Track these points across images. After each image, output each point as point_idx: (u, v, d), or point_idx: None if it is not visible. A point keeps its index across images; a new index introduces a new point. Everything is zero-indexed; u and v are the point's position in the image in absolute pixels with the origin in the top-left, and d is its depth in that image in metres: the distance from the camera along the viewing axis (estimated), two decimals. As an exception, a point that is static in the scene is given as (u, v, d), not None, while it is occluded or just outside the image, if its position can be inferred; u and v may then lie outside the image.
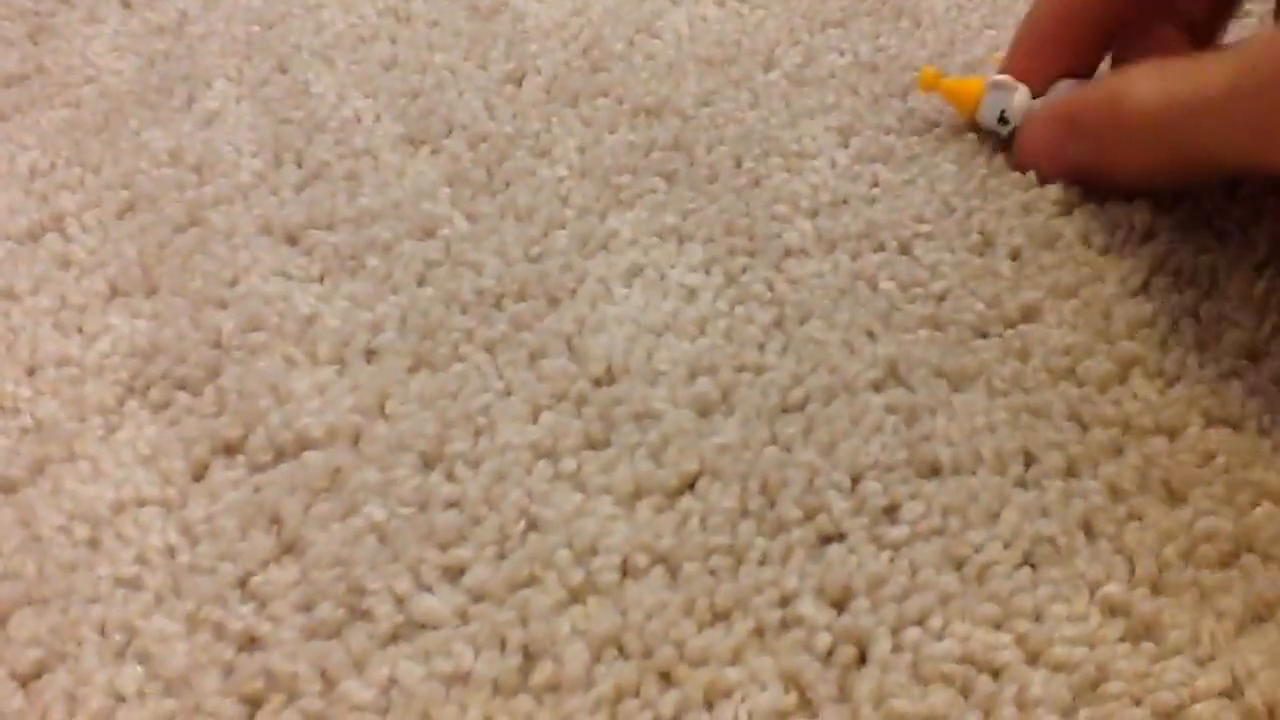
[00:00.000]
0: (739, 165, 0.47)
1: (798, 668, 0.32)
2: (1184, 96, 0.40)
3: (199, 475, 0.37)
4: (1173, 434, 0.37)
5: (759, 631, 0.33)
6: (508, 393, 0.39)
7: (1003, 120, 0.48)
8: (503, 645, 0.33)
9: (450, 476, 0.37)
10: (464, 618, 0.33)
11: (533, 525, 0.35)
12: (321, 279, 0.43)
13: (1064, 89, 0.48)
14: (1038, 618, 0.33)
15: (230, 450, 0.38)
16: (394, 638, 0.33)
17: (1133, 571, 0.33)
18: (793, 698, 0.31)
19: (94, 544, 0.35)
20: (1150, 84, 0.42)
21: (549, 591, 0.34)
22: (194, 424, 0.38)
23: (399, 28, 0.55)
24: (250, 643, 0.33)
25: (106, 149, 0.49)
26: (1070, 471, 0.36)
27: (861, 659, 0.32)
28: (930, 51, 0.54)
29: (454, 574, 0.34)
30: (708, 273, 0.42)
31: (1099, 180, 0.46)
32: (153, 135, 0.50)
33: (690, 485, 0.36)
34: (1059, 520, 0.35)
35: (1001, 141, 0.49)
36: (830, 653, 0.32)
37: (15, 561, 0.35)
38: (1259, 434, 0.36)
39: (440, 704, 0.32)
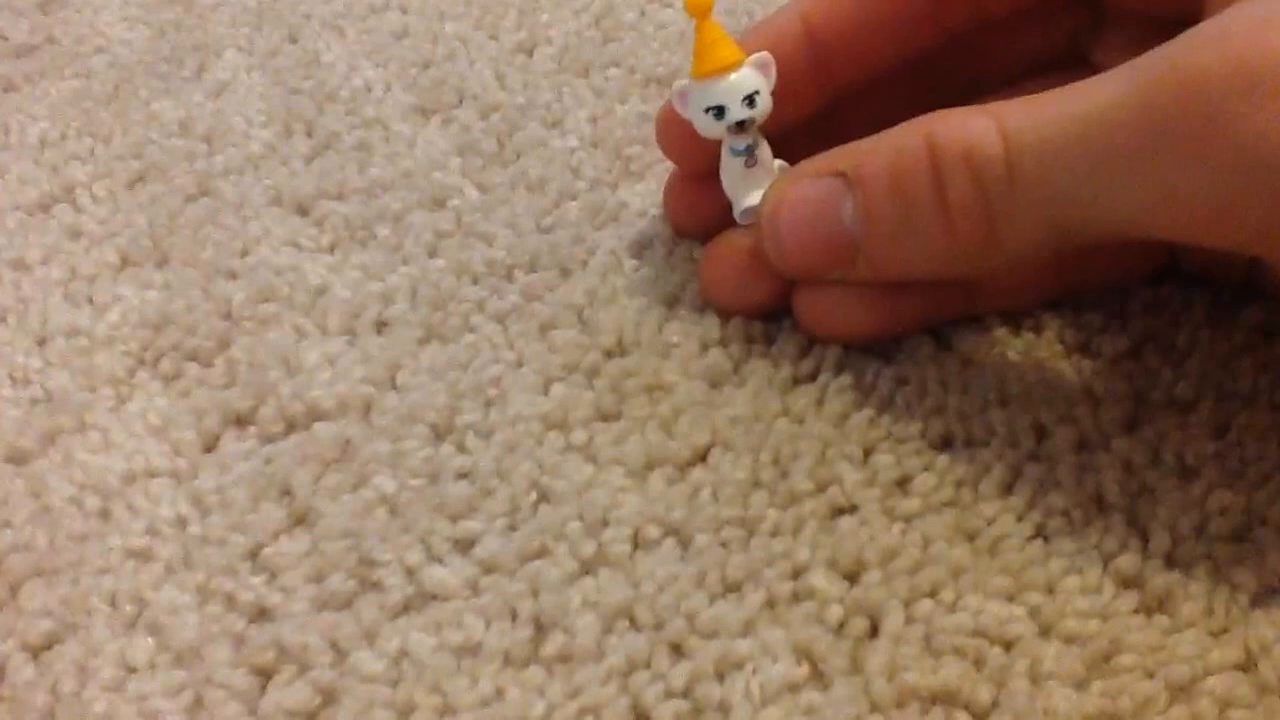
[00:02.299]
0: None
1: (809, 640, 0.32)
2: (1069, 149, 0.31)
3: (209, 446, 0.37)
4: (1186, 408, 0.36)
5: (771, 603, 0.33)
6: (519, 364, 0.39)
7: (749, 103, 0.36)
8: (514, 617, 0.33)
9: (461, 448, 0.36)
10: (475, 589, 0.33)
11: (544, 497, 0.35)
12: (332, 250, 0.43)
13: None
14: (1050, 590, 0.33)
15: (241, 421, 0.38)
16: (405, 609, 0.33)
17: (1146, 544, 0.33)
18: (804, 670, 0.31)
19: (105, 515, 0.36)
20: (1026, 128, 0.32)
21: (560, 563, 0.34)
22: (204, 395, 0.38)
23: (409, -2, 0.55)
24: (261, 614, 0.33)
25: (117, 119, 0.49)
26: (1083, 445, 0.36)
27: (873, 631, 0.32)
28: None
29: (465, 545, 0.34)
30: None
31: (896, 273, 0.36)
32: (163, 105, 0.49)
33: (702, 457, 0.36)
34: (1071, 493, 0.34)
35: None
36: (842, 625, 0.32)
37: (26, 532, 0.35)
38: (1271, 408, 0.36)
39: (451, 675, 0.32)
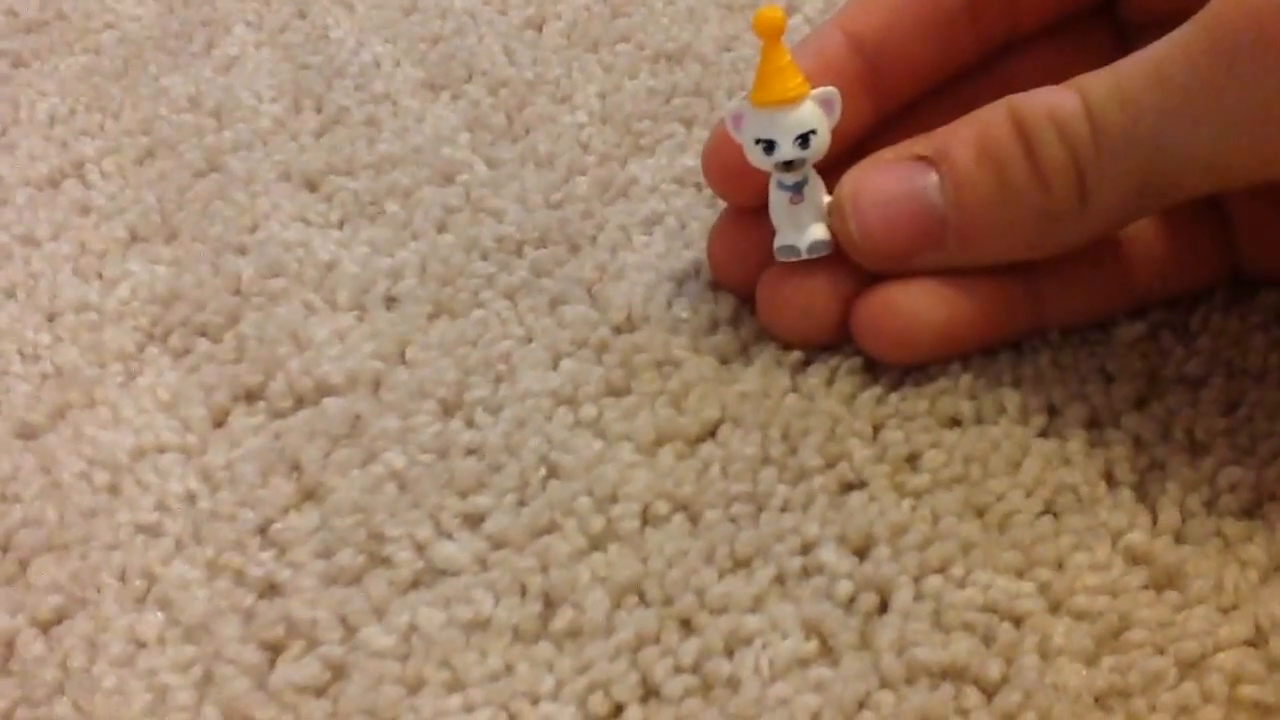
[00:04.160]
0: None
1: (819, 615, 0.32)
2: (1147, 95, 0.31)
3: (219, 422, 0.37)
4: (1196, 385, 0.36)
5: (780, 579, 0.33)
6: (528, 340, 0.39)
7: (802, 143, 0.34)
8: (523, 592, 0.33)
9: (470, 423, 0.36)
10: (484, 565, 0.33)
11: (553, 472, 0.35)
12: (341, 225, 0.43)
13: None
14: (1060, 566, 0.32)
15: (250, 397, 0.38)
16: (414, 584, 0.33)
17: (1155, 520, 0.33)
18: (814, 645, 0.31)
19: (114, 490, 0.36)
20: (1102, 84, 0.32)
21: (569, 539, 0.34)
22: (214, 370, 0.38)
23: (419, -27, 0.55)
24: (270, 589, 0.33)
25: (126, 95, 0.49)
26: (1093, 422, 0.36)
27: (883, 607, 0.32)
28: None
29: (474, 521, 0.34)
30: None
31: (989, 254, 0.35)
32: (172, 81, 0.49)
33: (711, 432, 0.36)
34: (1081, 469, 0.34)
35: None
36: (852, 600, 0.32)
37: (36, 508, 0.35)
38: (1283, 385, 0.36)
39: (460, 650, 0.32)
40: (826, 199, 0.36)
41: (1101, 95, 0.32)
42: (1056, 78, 0.34)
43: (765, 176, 0.36)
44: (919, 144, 0.35)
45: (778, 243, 0.36)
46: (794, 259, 0.36)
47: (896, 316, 0.36)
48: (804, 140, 0.34)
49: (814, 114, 0.34)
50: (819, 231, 0.36)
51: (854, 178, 0.36)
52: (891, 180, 0.35)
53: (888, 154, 0.36)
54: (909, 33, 0.37)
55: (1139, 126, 0.31)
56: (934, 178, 0.35)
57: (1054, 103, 0.33)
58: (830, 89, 0.35)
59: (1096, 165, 0.32)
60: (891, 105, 0.38)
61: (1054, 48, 0.39)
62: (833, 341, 0.37)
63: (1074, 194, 0.33)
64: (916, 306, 0.36)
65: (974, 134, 0.34)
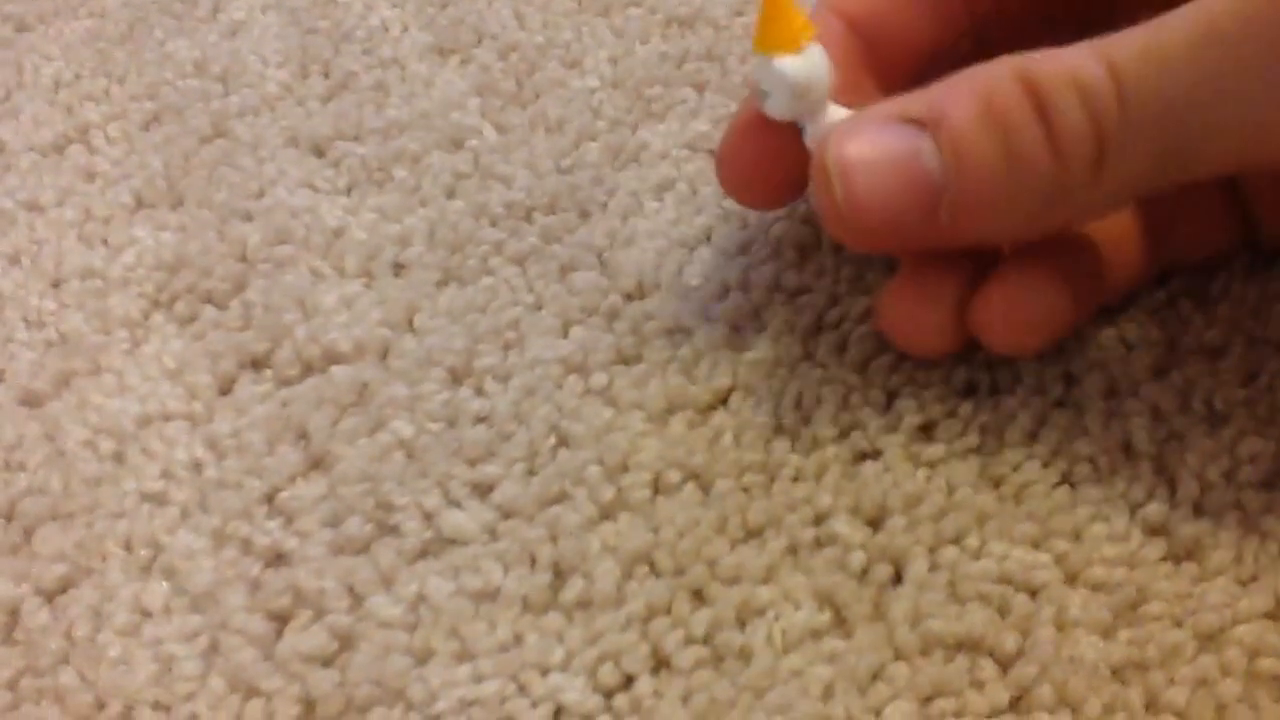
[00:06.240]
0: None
1: (832, 586, 0.32)
2: (1191, 59, 0.29)
3: (225, 389, 0.37)
4: (1215, 354, 0.36)
5: (792, 549, 0.32)
6: (538, 307, 0.38)
7: (789, 97, 0.33)
8: (532, 562, 0.33)
9: (479, 391, 0.36)
10: (493, 534, 0.33)
11: (563, 441, 0.35)
12: (349, 191, 0.43)
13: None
14: (1077, 537, 0.32)
15: (257, 364, 0.38)
16: (422, 554, 0.33)
17: (1174, 492, 0.33)
18: (827, 616, 0.31)
19: (119, 458, 0.35)
20: (1132, 47, 0.30)
21: (579, 508, 0.33)
22: (220, 338, 0.38)
23: (427, -63, 0.54)
24: (277, 558, 0.33)
25: (131, 59, 0.48)
26: (1111, 392, 0.35)
27: (897, 578, 0.32)
28: None
29: (483, 490, 0.34)
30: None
31: (991, 232, 0.33)
32: (178, 45, 0.49)
33: (723, 401, 0.36)
34: (1099, 440, 0.34)
35: None
36: (865, 571, 0.32)
37: (40, 476, 0.35)
38: (1303, 354, 0.36)
39: (469, 620, 0.31)
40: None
41: (1132, 59, 0.30)
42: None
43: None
44: (912, 102, 0.32)
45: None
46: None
47: (1024, 303, 0.34)
48: (790, 93, 0.33)
49: (803, 70, 0.33)
50: None
51: (839, 140, 0.33)
52: (883, 143, 0.32)
53: (876, 111, 0.33)
54: (900, 8, 0.36)
55: (1165, 99, 0.30)
56: (929, 142, 0.32)
57: (1075, 66, 0.30)
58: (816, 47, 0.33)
59: (1119, 135, 0.30)
60: (894, 82, 0.36)
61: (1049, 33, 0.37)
62: (959, 349, 0.35)
63: (1089, 165, 0.31)
64: (1044, 290, 0.34)
65: (975, 96, 0.31)
